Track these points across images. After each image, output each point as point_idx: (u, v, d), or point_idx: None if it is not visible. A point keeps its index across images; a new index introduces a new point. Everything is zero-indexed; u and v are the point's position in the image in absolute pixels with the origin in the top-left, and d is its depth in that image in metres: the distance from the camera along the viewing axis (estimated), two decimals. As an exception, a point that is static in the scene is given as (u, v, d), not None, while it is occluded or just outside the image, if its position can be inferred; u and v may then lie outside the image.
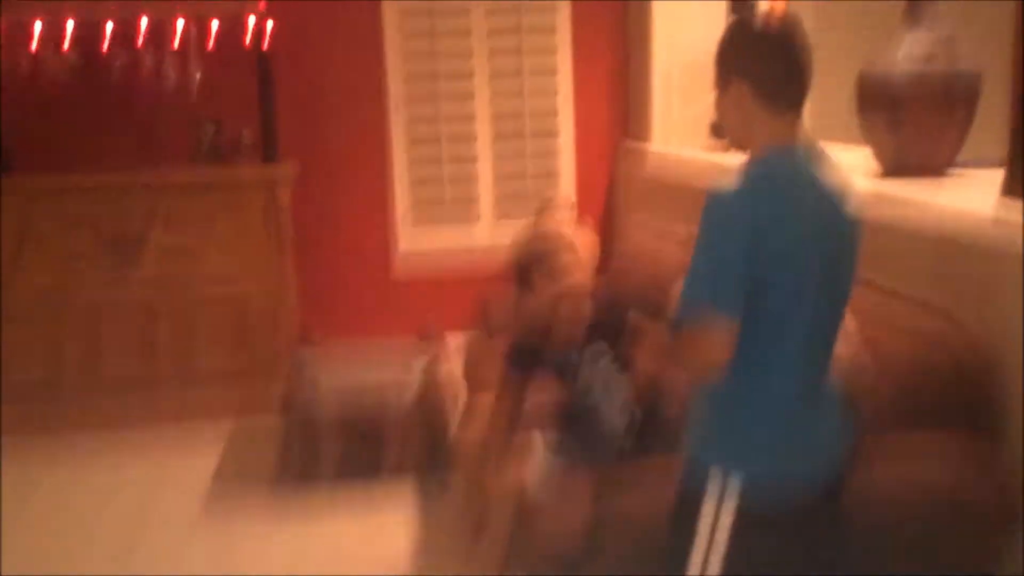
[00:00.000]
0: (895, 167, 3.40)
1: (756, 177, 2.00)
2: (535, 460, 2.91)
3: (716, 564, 1.97)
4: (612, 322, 3.00)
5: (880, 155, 3.47)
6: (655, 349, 2.80)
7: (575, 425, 3.04)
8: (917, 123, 3.29)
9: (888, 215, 2.85)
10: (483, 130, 5.76)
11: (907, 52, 3.27)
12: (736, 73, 2.07)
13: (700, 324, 1.91)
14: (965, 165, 3.48)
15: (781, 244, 1.94)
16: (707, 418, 2.09)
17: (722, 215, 1.96)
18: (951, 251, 2.75)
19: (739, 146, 2.18)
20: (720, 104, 2.16)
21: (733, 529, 1.97)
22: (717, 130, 4.83)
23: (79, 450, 4.56)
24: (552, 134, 5.85)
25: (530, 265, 3.01)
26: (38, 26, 4.68)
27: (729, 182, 2.00)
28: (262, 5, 4.80)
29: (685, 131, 5.38)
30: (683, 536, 2.02)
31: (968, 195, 2.93)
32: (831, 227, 2.04)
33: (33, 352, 4.82)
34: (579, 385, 3.05)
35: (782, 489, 2.00)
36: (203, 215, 4.89)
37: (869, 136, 3.48)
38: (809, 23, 5.35)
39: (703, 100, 5.20)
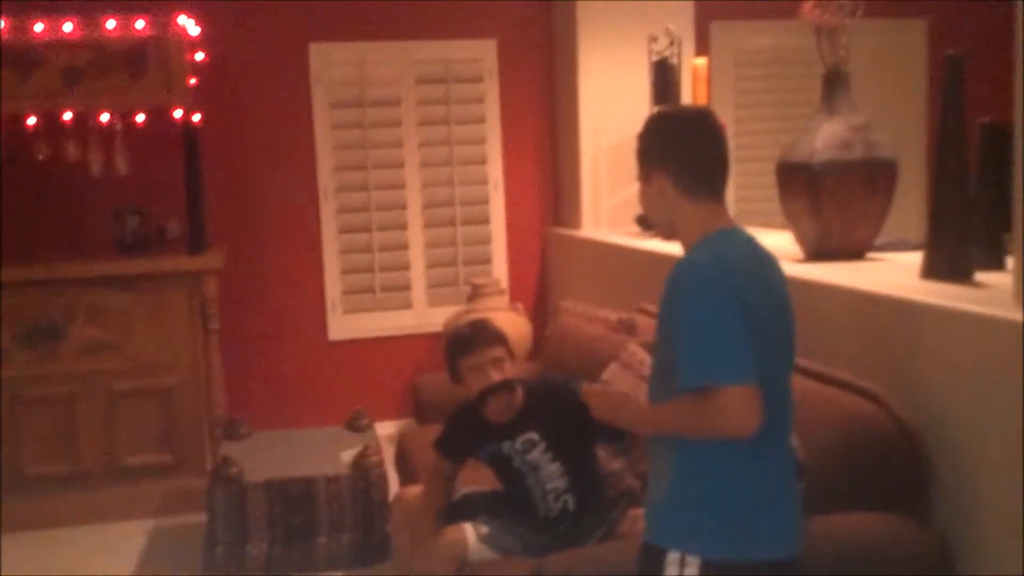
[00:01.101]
0: (816, 251, 3.47)
1: (721, 250, 2.00)
2: (468, 550, 2.86)
3: None
4: (544, 412, 2.98)
5: (801, 239, 3.54)
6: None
7: (508, 514, 3.00)
8: (836, 208, 3.36)
9: (812, 298, 2.90)
10: (414, 218, 5.78)
11: (824, 140, 3.36)
12: (657, 165, 2.09)
13: (723, 395, 1.87)
14: (883, 248, 3.57)
15: (761, 315, 1.94)
16: (665, 500, 2.04)
17: (708, 284, 1.93)
18: (875, 333, 2.80)
19: (666, 236, 2.19)
20: (644, 196, 2.18)
21: None
22: (643, 222, 4.88)
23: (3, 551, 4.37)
24: (483, 221, 5.89)
25: (460, 357, 2.99)
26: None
27: (697, 256, 2.00)
28: (190, 94, 4.78)
29: (613, 216, 5.46)
30: None
31: (888, 278, 2.99)
32: (784, 303, 2.07)
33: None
34: (511, 475, 3.01)
35: (743, 570, 1.96)
36: (127, 307, 4.78)
37: (791, 221, 3.56)
38: (728, 112, 5.51)
39: (629, 186, 5.31)
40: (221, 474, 3.97)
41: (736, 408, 1.87)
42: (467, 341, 3.00)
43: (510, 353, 3.01)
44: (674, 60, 4.99)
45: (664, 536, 2.03)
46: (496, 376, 2.93)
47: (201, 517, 4.08)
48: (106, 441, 4.77)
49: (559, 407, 2.98)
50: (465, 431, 3.08)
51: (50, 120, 4.74)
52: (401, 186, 5.75)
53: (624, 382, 3.38)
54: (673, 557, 1.97)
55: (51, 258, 4.99)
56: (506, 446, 2.99)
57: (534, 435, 2.96)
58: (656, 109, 4.39)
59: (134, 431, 4.79)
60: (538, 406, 3.00)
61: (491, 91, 5.83)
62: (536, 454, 2.96)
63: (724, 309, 1.90)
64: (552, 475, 2.97)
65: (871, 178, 3.35)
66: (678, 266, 2.00)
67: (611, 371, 3.50)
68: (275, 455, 4.29)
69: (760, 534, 1.99)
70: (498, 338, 3.00)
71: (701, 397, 1.89)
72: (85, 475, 4.75)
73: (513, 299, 5.76)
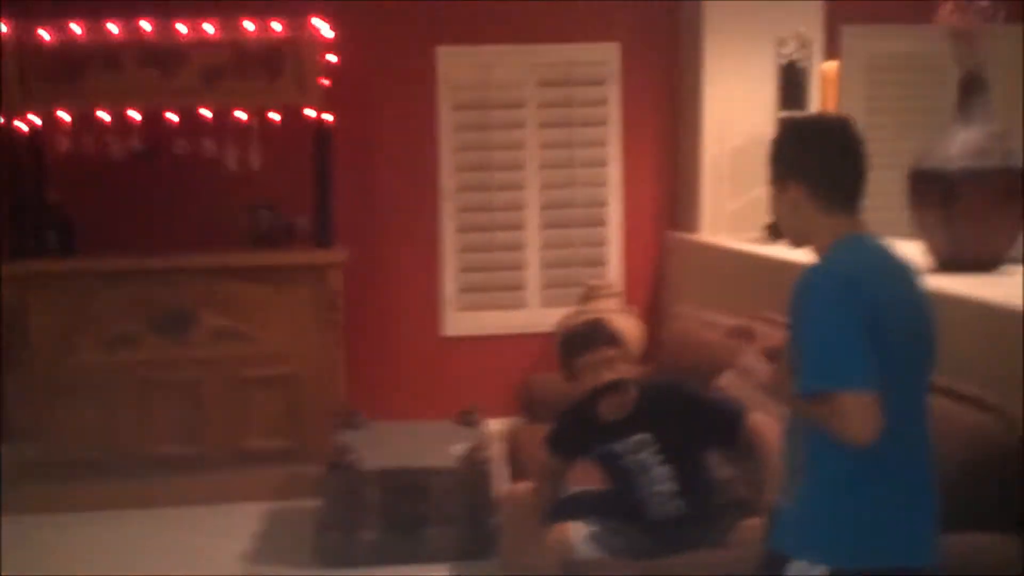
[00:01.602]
0: (948, 262, 3.36)
1: (847, 257, 1.97)
2: (574, 549, 2.87)
3: None
4: (656, 413, 2.97)
5: (933, 249, 3.44)
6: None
7: (616, 515, 3.00)
8: (971, 218, 3.27)
9: (941, 310, 2.81)
10: (532, 219, 5.82)
11: (960, 147, 3.27)
12: (792, 175, 2.05)
13: (838, 401, 1.85)
14: (1019, 261, 3.43)
15: (889, 322, 1.91)
16: (794, 507, 2.01)
17: (833, 292, 1.91)
18: (1006, 348, 2.69)
19: (798, 246, 2.16)
20: (776, 206, 2.14)
21: None
22: (773, 230, 4.77)
23: (119, 527, 4.57)
24: (600, 223, 5.88)
25: (574, 355, 3.00)
26: (103, 114, 4.84)
27: (823, 264, 1.99)
28: (322, 94, 4.93)
29: (733, 221, 5.38)
30: None
31: (1022, 292, 2.87)
32: (921, 310, 2.02)
33: (84, 430, 4.88)
34: (621, 475, 3.01)
35: None
36: (256, 297, 4.97)
37: (921, 231, 3.46)
38: (858, 119, 5.36)
39: (751, 190, 5.22)
40: (339, 461, 4.08)
41: (852, 414, 1.84)
42: (583, 339, 3.02)
43: (625, 354, 3.02)
44: (803, 64, 4.89)
45: (790, 543, 2.01)
46: (609, 375, 2.94)
47: (316, 502, 4.19)
48: (230, 425, 4.96)
49: (672, 409, 2.97)
50: (577, 429, 3.10)
51: (189, 117, 4.95)
52: (520, 187, 5.80)
53: (740, 390, 3.34)
54: (799, 567, 1.95)
55: (186, 248, 5.22)
56: (617, 446, 2.99)
57: (646, 436, 2.96)
58: (793, 116, 4.31)
59: (257, 417, 4.97)
60: (650, 407, 2.99)
61: (613, 94, 5.82)
62: (646, 455, 2.96)
63: (845, 316, 1.87)
64: (662, 477, 2.95)
65: (1008, 187, 3.25)
66: (805, 273, 1.98)
67: (727, 378, 3.46)
68: (389, 446, 4.39)
69: (893, 544, 1.95)
70: (613, 338, 3.01)
71: (822, 403, 1.87)
72: (208, 457, 4.94)
73: (628, 302, 5.74)
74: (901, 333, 1.94)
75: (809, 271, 1.99)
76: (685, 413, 2.97)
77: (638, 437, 2.96)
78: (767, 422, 2.85)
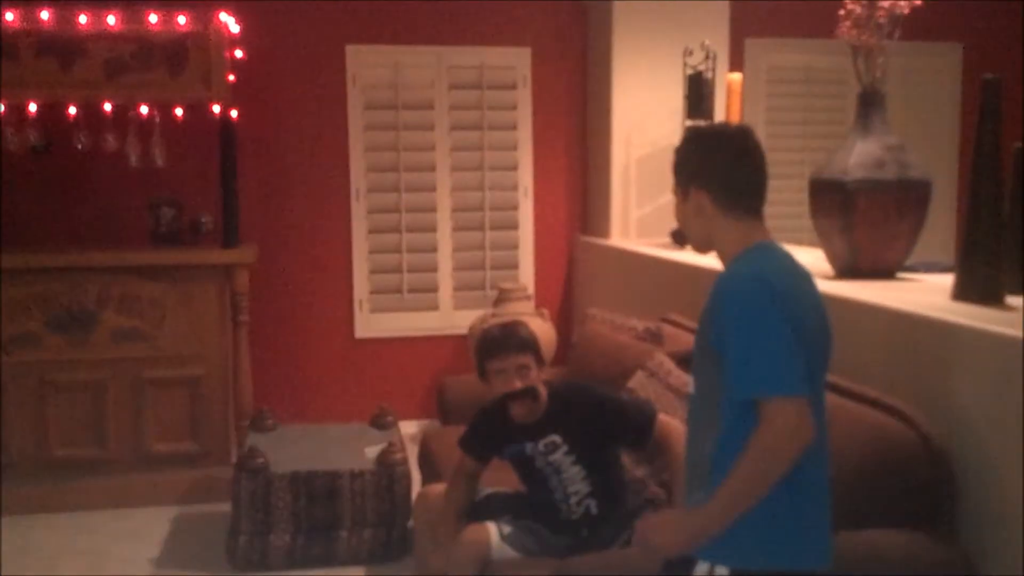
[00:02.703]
0: (847, 269, 3.48)
1: (763, 263, 2.01)
2: (490, 549, 2.89)
3: None
4: (566, 415, 3.02)
5: (832, 257, 3.56)
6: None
7: (530, 516, 3.03)
8: (868, 227, 3.38)
9: (841, 315, 2.92)
10: (444, 221, 5.83)
11: (858, 159, 3.38)
12: (695, 182, 2.10)
13: (773, 408, 1.87)
14: (914, 269, 3.59)
15: (804, 329, 1.95)
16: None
17: (762, 297, 1.93)
18: (903, 351, 2.82)
19: (703, 251, 2.20)
20: (680, 212, 2.18)
21: None
22: (678, 236, 4.89)
23: (22, 532, 4.43)
24: (512, 226, 5.93)
25: (486, 359, 3.03)
26: (0, 107, 4.67)
27: (742, 269, 2.01)
28: (227, 90, 4.84)
29: (642, 226, 5.49)
30: None
31: (919, 298, 3.01)
32: (821, 313, 2.07)
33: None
34: (534, 476, 3.05)
35: None
36: (159, 297, 4.85)
37: (821, 238, 3.58)
38: (759, 128, 5.52)
39: (659, 197, 5.34)
40: (247, 465, 4.03)
41: (790, 419, 1.87)
42: (495, 345, 3.04)
43: (539, 359, 3.04)
44: (708, 74, 5.02)
45: None
46: (518, 383, 2.97)
47: (225, 507, 4.14)
48: (134, 428, 4.85)
49: (582, 411, 3.02)
50: (490, 430, 3.13)
51: (90, 110, 4.82)
52: (432, 189, 5.80)
53: (649, 390, 3.42)
54: (702, 568, 1.98)
55: (86, 246, 5.07)
56: (529, 447, 3.03)
57: (556, 438, 3.00)
58: (694, 125, 4.42)
59: (162, 419, 4.86)
60: (561, 409, 3.03)
61: (524, 98, 5.88)
62: (558, 456, 3.00)
63: (772, 321, 1.91)
64: (574, 478, 3.00)
65: (904, 198, 3.37)
66: (721, 280, 2.01)
67: (637, 379, 3.54)
68: (300, 448, 4.34)
69: (793, 546, 1.99)
70: (526, 344, 3.03)
71: (754, 427, 1.89)
72: (112, 460, 4.82)
73: (539, 305, 5.81)
74: (811, 336, 1.99)
75: (724, 278, 2.01)
76: (596, 414, 3.01)
77: (549, 439, 3.01)
78: (674, 424, 2.93)
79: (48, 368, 4.77)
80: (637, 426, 2.98)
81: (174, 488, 4.77)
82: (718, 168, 2.09)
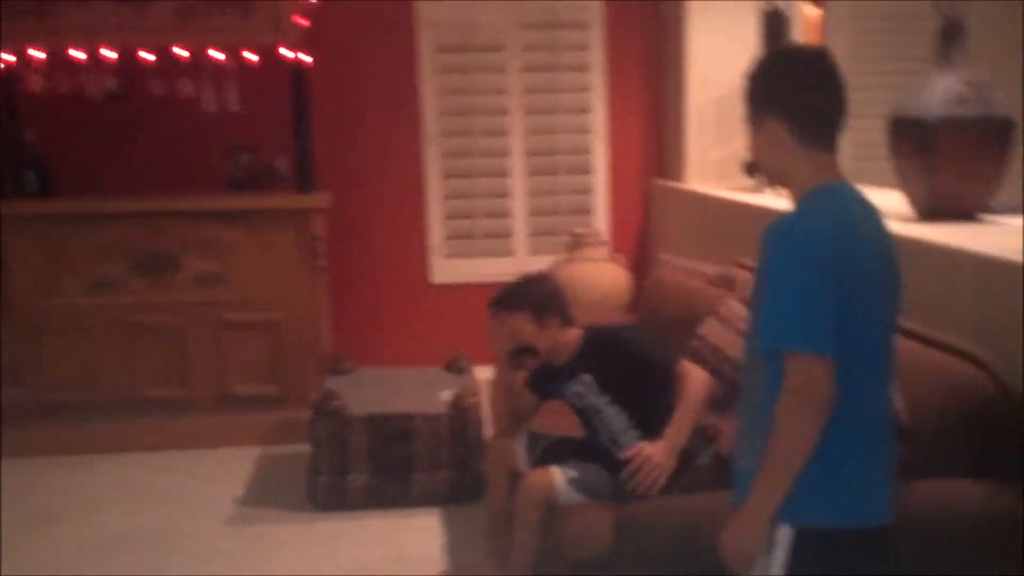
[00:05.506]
0: (927, 211, 3.38)
1: (821, 211, 1.93)
2: (556, 493, 2.94)
3: None
4: (596, 355, 3.11)
5: (912, 198, 3.45)
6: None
7: (594, 460, 3.07)
8: (950, 167, 3.26)
9: (919, 259, 2.84)
10: (517, 165, 5.81)
11: (940, 95, 3.25)
12: (769, 109, 1.99)
13: (795, 362, 1.85)
14: (998, 211, 3.46)
15: (856, 280, 1.89)
16: (756, 468, 1.95)
17: (802, 248, 1.88)
18: (982, 296, 2.74)
19: (776, 185, 2.13)
20: (754, 143, 2.07)
21: None
22: (751, 168, 4.78)
23: (110, 470, 4.62)
24: (586, 171, 5.88)
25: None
26: (77, 53, 4.76)
27: (792, 217, 1.95)
28: (299, 34, 4.86)
29: (719, 169, 5.39)
30: None
31: (1000, 241, 2.91)
32: (888, 261, 2.00)
33: (70, 373, 4.90)
34: (586, 419, 3.14)
35: (836, 537, 1.94)
36: (237, 242, 4.95)
37: (901, 179, 3.47)
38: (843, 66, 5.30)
39: (737, 138, 5.22)
40: (324, 407, 4.12)
41: (802, 376, 1.84)
42: (492, 302, 3.20)
43: (537, 315, 3.12)
44: (786, 10, 4.86)
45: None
46: (509, 343, 3.16)
47: (306, 448, 4.24)
48: (216, 370, 4.98)
49: (609, 353, 3.09)
50: (540, 372, 3.26)
51: (163, 55, 4.87)
52: (505, 133, 5.77)
53: (722, 337, 3.39)
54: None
55: (164, 191, 5.18)
56: (566, 387, 3.15)
57: (587, 377, 3.10)
58: (769, 50, 4.28)
59: (243, 362, 4.99)
60: (592, 351, 3.13)
61: (597, 39, 5.78)
62: (593, 397, 3.09)
63: (811, 275, 1.85)
64: (615, 420, 3.06)
65: (987, 136, 3.24)
66: (772, 226, 1.95)
67: (708, 325, 3.50)
68: (376, 391, 4.42)
69: (855, 501, 1.95)
70: (512, 304, 3.15)
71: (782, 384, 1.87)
72: (195, 401, 4.97)
73: (614, 250, 5.76)
74: (866, 285, 1.92)
75: (780, 221, 1.95)
76: (620, 355, 3.09)
77: (581, 377, 3.11)
78: (696, 371, 2.99)
79: (133, 311, 4.92)
80: (658, 367, 3.02)
81: (256, 429, 4.91)
82: (797, 93, 1.98)
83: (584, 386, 3.10)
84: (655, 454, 2.86)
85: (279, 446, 4.82)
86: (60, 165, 5.13)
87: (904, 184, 3.47)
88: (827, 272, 1.86)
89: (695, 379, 2.97)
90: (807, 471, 1.89)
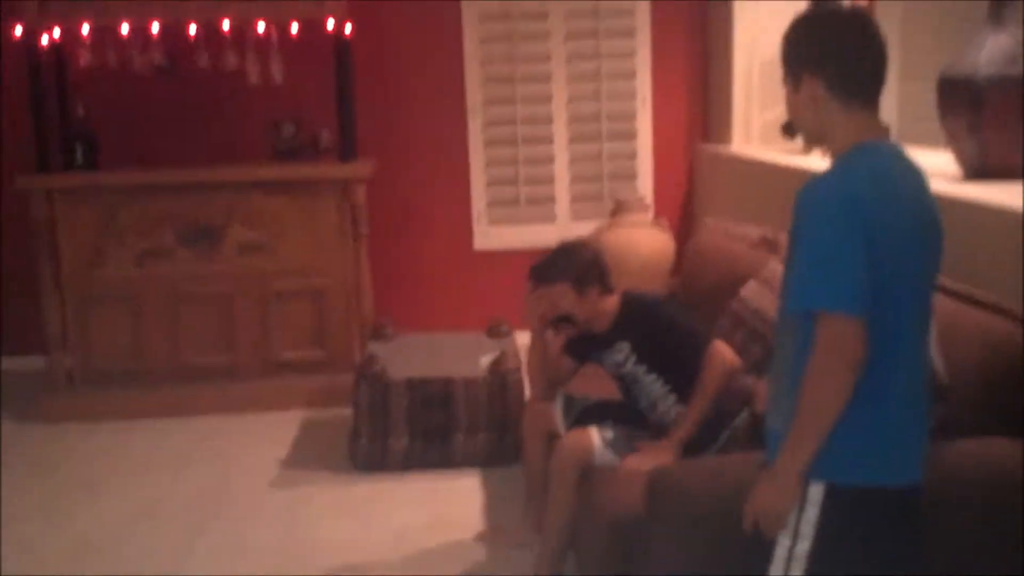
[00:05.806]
0: (975, 170, 3.31)
1: (855, 171, 1.90)
2: (593, 454, 2.94)
3: (798, 568, 1.91)
4: (633, 324, 3.10)
5: (960, 158, 3.38)
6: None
7: (631, 423, 3.08)
8: (999, 126, 3.19)
9: (963, 218, 2.78)
10: (560, 132, 5.78)
11: (989, 54, 3.18)
12: (807, 68, 1.96)
13: (826, 321, 1.83)
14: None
15: (891, 241, 1.86)
16: (788, 423, 1.93)
17: (835, 209, 1.85)
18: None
19: (814, 145, 2.10)
20: (791, 102, 2.04)
21: (813, 539, 1.90)
22: (788, 129, 4.69)
23: (157, 435, 4.71)
24: (629, 136, 5.83)
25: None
26: (125, 27, 4.82)
27: (829, 177, 1.92)
28: (342, 6, 4.87)
29: (764, 133, 5.32)
30: (761, 547, 1.96)
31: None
32: (927, 221, 1.96)
33: (118, 341, 5.00)
34: (623, 384, 3.16)
35: (869, 495, 1.92)
36: (281, 211, 5.00)
37: (950, 139, 3.40)
38: (894, 25, 5.19)
39: (782, 102, 5.13)
40: (366, 371, 4.16)
41: (834, 336, 1.82)
42: (532, 274, 3.19)
43: (578, 286, 3.09)
44: (836, -30, 4.75)
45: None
46: (546, 314, 3.15)
47: (349, 412, 4.29)
48: (261, 337, 5.05)
49: (644, 324, 3.09)
50: (579, 337, 3.24)
51: (210, 30, 4.92)
52: (548, 100, 5.75)
53: (763, 299, 3.34)
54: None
55: (210, 163, 5.24)
56: (605, 355, 3.15)
57: (624, 345, 3.10)
58: (806, 8, 4.19)
59: (287, 328, 5.05)
60: (629, 319, 3.12)
61: (641, 4, 5.71)
62: (630, 365, 3.09)
63: (844, 235, 1.82)
64: (652, 386, 3.06)
65: (1036, 95, 3.16)
66: (807, 186, 1.92)
67: (750, 288, 3.47)
68: (417, 356, 4.45)
69: (888, 460, 1.93)
70: (546, 275, 3.13)
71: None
72: (241, 367, 5.05)
73: (658, 214, 5.72)
74: (903, 247, 1.89)
75: (813, 182, 1.92)
76: (661, 326, 3.09)
77: (618, 346, 3.12)
78: (718, 358, 2.94)
79: (180, 280, 5.00)
80: (692, 337, 3.05)
81: (300, 394, 4.98)
82: (833, 51, 1.95)
83: (622, 354, 3.12)
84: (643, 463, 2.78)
85: (322, 410, 4.89)
86: (108, 138, 5.20)
87: (952, 143, 3.40)
88: (858, 232, 1.83)
89: (715, 366, 2.92)
90: (840, 429, 1.87)
